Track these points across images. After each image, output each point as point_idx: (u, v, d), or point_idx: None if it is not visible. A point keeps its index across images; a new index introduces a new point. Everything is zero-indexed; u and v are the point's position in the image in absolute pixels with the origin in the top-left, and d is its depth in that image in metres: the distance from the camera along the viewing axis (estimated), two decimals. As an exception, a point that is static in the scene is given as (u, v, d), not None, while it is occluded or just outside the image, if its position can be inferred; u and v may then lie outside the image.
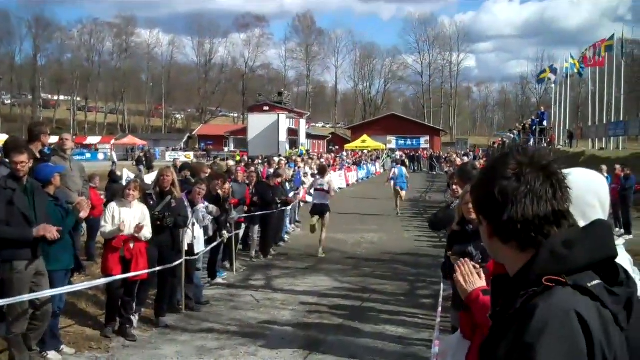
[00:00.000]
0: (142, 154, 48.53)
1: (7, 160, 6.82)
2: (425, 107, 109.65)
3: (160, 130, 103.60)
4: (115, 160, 50.90)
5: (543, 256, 1.57)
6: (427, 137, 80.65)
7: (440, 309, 7.03)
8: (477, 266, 3.23)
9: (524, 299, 1.54)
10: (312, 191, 16.86)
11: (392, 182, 24.10)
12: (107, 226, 7.85)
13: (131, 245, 7.81)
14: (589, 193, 2.19)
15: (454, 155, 41.79)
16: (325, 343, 7.95)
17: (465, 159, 35.64)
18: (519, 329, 1.49)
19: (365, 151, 58.98)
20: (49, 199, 6.80)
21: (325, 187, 15.21)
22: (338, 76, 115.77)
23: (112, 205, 8.13)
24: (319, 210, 14.99)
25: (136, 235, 7.80)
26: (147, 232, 7.97)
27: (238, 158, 39.36)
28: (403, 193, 24.25)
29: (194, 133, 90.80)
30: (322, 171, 16.33)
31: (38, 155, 8.13)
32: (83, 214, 7.08)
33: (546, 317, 1.46)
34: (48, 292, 6.50)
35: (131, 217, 7.88)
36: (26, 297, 6.08)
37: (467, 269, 3.21)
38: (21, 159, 6.19)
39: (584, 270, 1.55)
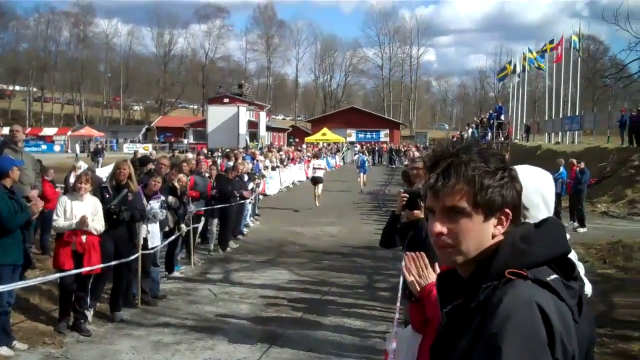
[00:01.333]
0: (99, 146, 47.88)
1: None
2: (385, 101, 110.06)
3: (119, 121, 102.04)
4: (78, 152, 50.08)
5: (505, 250, 1.60)
6: (387, 131, 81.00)
7: (399, 303, 7.05)
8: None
9: (486, 291, 1.56)
10: (311, 168, 26.58)
11: (357, 169, 32.31)
12: (59, 220, 7.69)
13: (83, 239, 7.67)
14: (532, 191, 2.20)
15: (413, 149, 42.10)
16: (284, 336, 7.94)
17: (425, 152, 35.94)
18: (484, 320, 1.52)
19: (325, 144, 59.05)
20: (2, 192, 6.64)
21: (322, 166, 25.53)
22: (299, 69, 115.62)
23: (64, 198, 7.97)
24: (317, 180, 23.47)
25: (85, 229, 7.65)
26: (98, 225, 7.83)
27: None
28: (365, 176, 31.78)
29: (152, 125, 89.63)
30: (317, 155, 26.61)
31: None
32: (34, 216, 6.97)
33: (511, 307, 1.48)
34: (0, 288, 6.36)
35: (83, 210, 7.73)
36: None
37: (422, 264, 3.22)
38: None
39: (542, 265, 1.59)
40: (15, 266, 6.93)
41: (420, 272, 3.20)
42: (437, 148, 1.73)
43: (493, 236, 1.65)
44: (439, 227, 1.65)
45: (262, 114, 68.78)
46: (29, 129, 68.65)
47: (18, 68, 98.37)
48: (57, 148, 65.12)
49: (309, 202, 23.50)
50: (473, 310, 1.57)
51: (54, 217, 7.75)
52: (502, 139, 36.49)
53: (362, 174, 31.25)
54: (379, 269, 12.25)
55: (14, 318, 7.56)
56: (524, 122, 46.28)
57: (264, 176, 23.43)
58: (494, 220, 1.65)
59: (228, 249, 14.14)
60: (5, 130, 9.64)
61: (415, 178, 5.67)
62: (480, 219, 1.63)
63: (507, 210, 1.65)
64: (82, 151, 53.80)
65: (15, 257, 6.86)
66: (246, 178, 16.97)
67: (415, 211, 4.64)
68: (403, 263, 6.16)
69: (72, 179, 10.12)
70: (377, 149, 61.77)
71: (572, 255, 2.34)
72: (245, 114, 58.93)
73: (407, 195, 5.07)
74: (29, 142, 55.75)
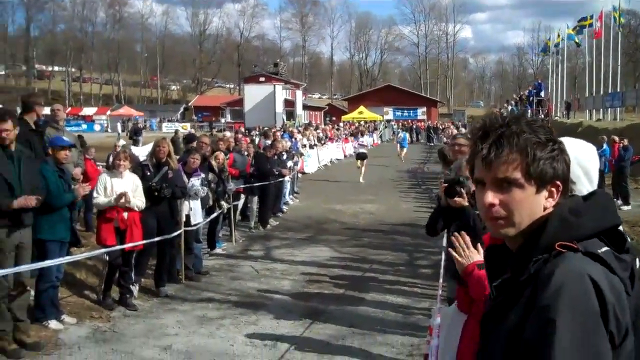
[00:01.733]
0: (139, 125, 48.28)
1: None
2: (422, 78, 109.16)
3: (156, 101, 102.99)
4: (120, 131, 50.50)
5: (554, 223, 1.58)
6: (424, 109, 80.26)
7: (441, 280, 7.02)
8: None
9: (536, 264, 1.55)
10: (356, 144, 32.28)
11: (398, 144, 35.57)
12: (99, 197, 7.75)
13: (125, 216, 7.75)
14: (577, 164, 2.14)
15: (452, 126, 41.74)
16: (326, 312, 7.96)
17: (463, 130, 35.60)
18: (534, 293, 1.50)
19: (362, 122, 58.81)
20: (54, 169, 6.74)
21: (365, 143, 30.08)
22: (334, 47, 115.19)
23: (104, 176, 8.05)
24: (362, 156, 24.73)
25: (127, 205, 7.74)
26: (138, 202, 7.91)
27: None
28: (404, 150, 34.55)
29: (190, 104, 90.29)
30: (362, 133, 34.35)
31: (33, 126, 8.04)
32: (79, 198, 7.08)
33: (562, 280, 1.47)
34: (49, 262, 6.47)
35: (123, 187, 7.79)
36: (15, 269, 6.00)
37: (463, 243, 3.19)
38: (5, 126, 6.07)
39: (592, 238, 1.58)
40: (62, 243, 7.03)
41: (462, 252, 3.18)
42: (485, 120, 1.70)
43: (544, 209, 1.63)
44: (491, 198, 1.63)
45: (299, 93, 68.82)
46: (69, 109, 69.66)
47: (56, 49, 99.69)
48: (97, 127, 65.91)
49: (348, 180, 23.49)
50: (523, 283, 1.56)
51: (94, 194, 7.80)
52: (542, 116, 35.92)
53: (403, 149, 34.40)
54: (419, 247, 12.19)
55: (63, 293, 7.70)
56: (564, 99, 45.42)
57: (302, 154, 23.44)
58: (545, 193, 1.63)
59: (268, 226, 14.20)
60: (47, 110, 9.69)
61: (457, 154, 5.60)
62: (532, 190, 1.61)
63: (557, 182, 1.63)
64: (123, 130, 54.30)
65: (62, 234, 6.97)
66: (284, 156, 16.99)
67: (456, 199, 4.55)
68: (445, 242, 6.12)
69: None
70: (414, 126, 61.30)
71: None
72: (281, 93, 59.06)
73: (447, 184, 4.99)
74: (70, 122, 56.53)
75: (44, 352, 6.25)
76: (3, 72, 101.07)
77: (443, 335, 3.61)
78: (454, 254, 3.18)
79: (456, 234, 3.27)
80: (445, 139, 38.05)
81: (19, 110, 9.11)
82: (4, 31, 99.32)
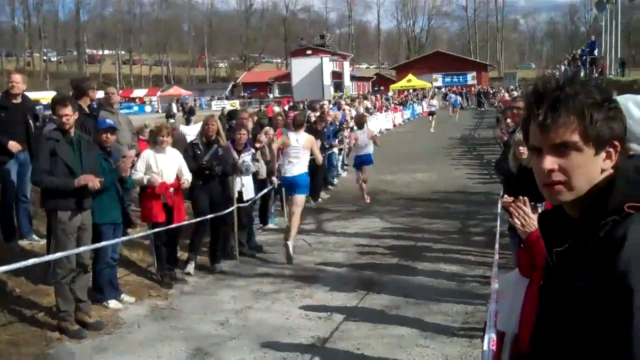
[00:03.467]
0: (187, 104, 48.64)
1: (54, 117, 6.88)
2: (471, 43, 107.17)
3: (205, 79, 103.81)
4: (175, 111, 50.89)
5: (621, 184, 1.54)
6: (474, 73, 78.90)
7: (497, 245, 6.97)
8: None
9: (605, 228, 1.50)
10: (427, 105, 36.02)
11: (451, 105, 41.02)
12: (137, 173, 7.79)
13: (172, 192, 7.89)
14: (633, 123, 2.06)
15: (503, 91, 40.95)
16: (380, 283, 7.99)
17: (515, 93, 34.91)
18: (605, 258, 1.45)
19: (411, 90, 58.22)
20: (99, 151, 6.87)
21: (434, 103, 34.11)
22: (380, 15, 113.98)
23: (147, 152, 8.12)
24: (432, 113, 28.73)
25: (183, 185, 7.90)
26: (188, 177, 8.05)
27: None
28: (457, 110, 39.70)
29: (238, 81, 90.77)
30: (432, 97, 37.82)
31: (87, 110, 8.22)
32: (125, 174, 7.16)
33: (637, 243, 1.42)
34: (104, 243, 6.64)
35: (167, 163, 7.90)
36: (77, 250, 6.18)
37: (523, 212, 3.15)
38: (65, 111, 6.22)
39: None
40: (116, 225, 7.18)
41: (523, 220, 3.13)
42: (539, 83, 1.64)
43: (602, 171, 1.58)
44: (550, 164, 1.57)
45: (346, 64, 68.37)
46: (120, 92, 70.69)
47: (105, 32, 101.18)
48: (147, 109, 66.79)
49: (398, 150, 23.36)
50: (590, 248, 1.51)
51: (133, 170, 7.74)
52: (596, 74, 34.90)
53: (456, 109, 39.90)
54: (472, 214, 12.07)
55: (120, 273, 7.89)
56: (619, 56, 44.00)
57: (352, 128, 23.32)
58: (603, 154, 1.57)
59: (319, 199, 14.25)
60: (100, 94, 9.87)
61: (515, 118, 5.49)
62: (590, 152, 1.56)
63: (615, 142, 1.57)
64: (178, 110, 54.60)
65: (115, 216, 7.11)
66: (332, 128, 16.94)
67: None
68: (500, 207, 6.04)
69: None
70: (464, 92, 60.36)
71: None
72: (328, 65, 58.77)
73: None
74: (121, 105, 57.41)
75: (105, 331, 6.44)
76: (55, 59, 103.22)
77: (506, 301, 3.58)
78: (515, 222, 3.15)
79: (515, 203, 3.24)
80: (496, 103, 37.42)
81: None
82: (54, 17, 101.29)
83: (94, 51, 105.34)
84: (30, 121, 8.29)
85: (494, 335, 3.86)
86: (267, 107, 19.46)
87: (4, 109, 8.08)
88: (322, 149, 14.56)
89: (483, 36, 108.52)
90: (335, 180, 16.86)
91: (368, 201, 13.71)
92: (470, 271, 8.36)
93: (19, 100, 8.18)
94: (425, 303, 7.16)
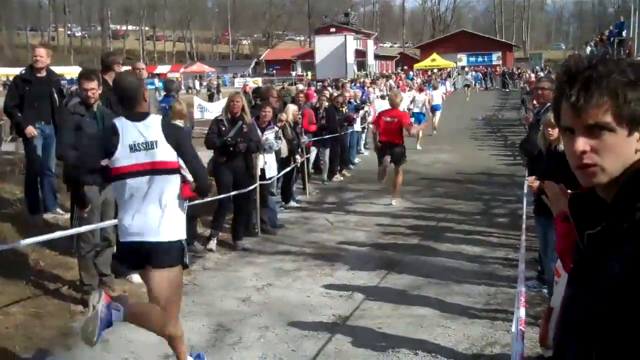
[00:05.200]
0: (211, 81, 48.63)
1: (79, 91, 6.90)
2: (497, 22, 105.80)
3: (228, 57, 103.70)
4: (198, 88, 50.90)
5: None
6: (499, 53, 77.87)
7: (524, 226, 6.93)
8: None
9: None
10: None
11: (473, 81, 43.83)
12: None
13: None
14: None
15: (529, 71, 40.48)
16: (401, 263, 7.97)
17: (541, 74, 34.50)
18: None
19: (435, 70, 57.73)
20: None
21: (469, 77, 44.29)
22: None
23: None
24: (467, 85, 33.54)
25: None
26: None
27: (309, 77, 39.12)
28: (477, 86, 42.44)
29: (261, 58, 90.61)
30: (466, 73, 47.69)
31: (112, 85, 8.23)
32: None
33: None
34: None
35: None
36: (101, 224, 6.21)
37: (553, 192, 3.10)
38: (90, 85, 6.23)
39: None
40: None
41: (553, 201, 3.09)
42: (570, 63, 1.60)
43: (636, 151, 1.54)
44: (583, 146, 1.53)
45: (370, 43, 68.02)
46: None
47: (129, 8, 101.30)
48: (171, 85, 66.68)
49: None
50: (624, 232, 1.47)
51: None
52: (624, 56, 34.35)
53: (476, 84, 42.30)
54: (496, 195, 12.01)
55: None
56: (647, 37, 43.21)
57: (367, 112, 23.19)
58: (637, 135, 1.53)
59: (341, 177, 14.24)
60: (124, 69, 9.87)
61: (539, 99, 5.42)
62: (624, 133, 1.52)
63: None
64: (201, 87, 54.48)
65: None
66: (353, 105, 16.83)
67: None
68: (525, 189, 5.97)
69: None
70: (489, 72, 59.72)
71: None
72: (352, 43, 58.54)
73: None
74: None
75: (128, 305, 6.49)
76: (80, 34, 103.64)
77: (562, 278, 3.56)
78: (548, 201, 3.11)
79: (546, 182, 3.20)
80: (521, 84, 37.01)
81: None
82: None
83: (118, 27, 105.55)
84: (55, 95, 8.36)
85: (522, 316, 3.85)
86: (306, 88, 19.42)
87: (29, 82, 8.16)
88: (342, 126, 14.52)
89: (509, 15, 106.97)
90: (357, 159, 16.82)
91: None
92: (492, 253, 8.33)
93: (43, 74, 8.24)
94: (446, 284, 7.14)
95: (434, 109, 22.95)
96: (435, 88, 24.29)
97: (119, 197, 4.45)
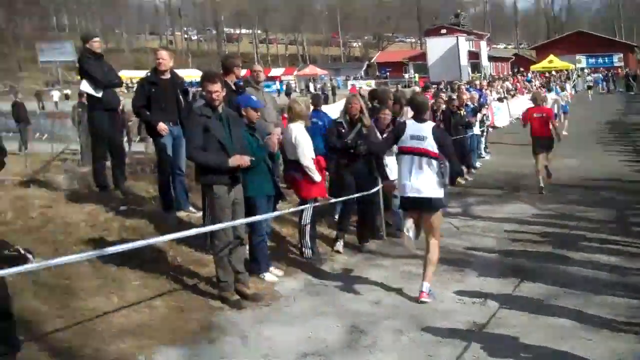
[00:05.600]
0: (325, 85, 48.94)
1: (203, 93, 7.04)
2: (617, 22, 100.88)
3: (339, 59, 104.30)
4: (313, 91, 51.26)
5: None
6: (621, 55, 74.27)
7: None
8: None
9: None
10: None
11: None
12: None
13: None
14: None
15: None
16: (534, 271, 7.69)
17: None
18: None
19: (554, 72, 55.76)
20: (244, 127, 6.96)
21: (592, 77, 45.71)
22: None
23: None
24: (589, 87, 32.91)
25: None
26: None
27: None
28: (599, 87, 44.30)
29: (372, 61, 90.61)
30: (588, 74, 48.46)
31: (233, 87, 8.38)
32: (273, 150, 7.29)
33: None
34: (259, 217, 6.76)
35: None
36: (233, 223, 6.31)
37: None
38: (215, 88, 6.32)
39: None
40: (269, 197, 7.32)
41: None
42: None
43: None
44: None
45: (483, 44, 66.69)
46: (261, 70, 71.87)
47: (242, 11, 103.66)
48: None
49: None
50: None
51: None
52: None
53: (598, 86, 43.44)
54: (630, 203, 11.42)
55: (272, 247, 8.05)
56: None
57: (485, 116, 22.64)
58: None
59: (462, 182, 13.96)
60: (243, 72, 10.02)
61: None
62: None
63: None
64: (316, 90, 54.75)
65: (268, 188, 7.26)
66: (470, 108, 16.49)
67: None
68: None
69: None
70: (611, 74, 57.06)
71: None
72: (464, 44, 57.60)
73: None
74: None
75: (263, 303, 6.59)
76: (196, 37, 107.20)
77: None
78: None
79: None
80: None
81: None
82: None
83: (232, 30, 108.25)
84: (180, 97, 8.61)
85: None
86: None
87: (154, 84, 8.42)
88: (460, 130, 14.28)
89: (630, 14, 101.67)
90: (478, 164, 16.45)
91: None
92: (632, 263, 7.89)
93: (167, 76, 8.49)
94: (584, 294, 6.82)
95: (562, 110, 22.52)
96: (562, 90, 23.74)
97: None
